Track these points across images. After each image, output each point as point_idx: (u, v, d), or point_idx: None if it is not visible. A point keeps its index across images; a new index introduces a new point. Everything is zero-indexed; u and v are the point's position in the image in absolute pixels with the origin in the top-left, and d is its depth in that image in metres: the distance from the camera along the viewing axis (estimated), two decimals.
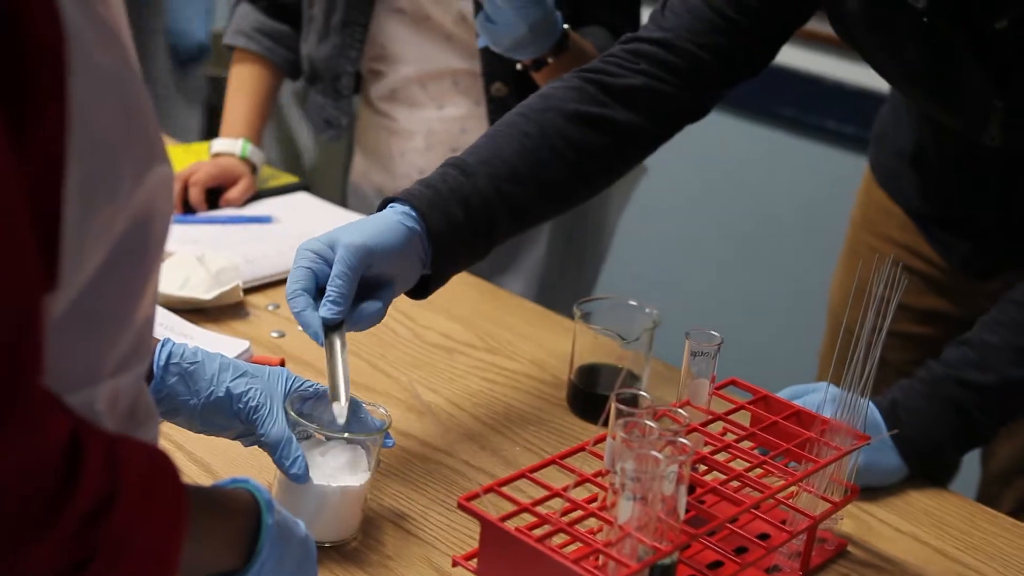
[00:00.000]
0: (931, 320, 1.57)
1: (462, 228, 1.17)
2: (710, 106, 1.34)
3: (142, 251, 0.73)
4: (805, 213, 2.74)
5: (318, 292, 1.09)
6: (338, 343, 1.07)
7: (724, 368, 1.16)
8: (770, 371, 1.76)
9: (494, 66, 1.68)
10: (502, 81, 1.69)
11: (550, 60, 1.52)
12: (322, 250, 1.10)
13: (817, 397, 1.20)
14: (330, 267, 1.09)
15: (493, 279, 1.79)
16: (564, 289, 1.85)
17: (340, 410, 1.03)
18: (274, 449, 1.01)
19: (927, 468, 1.25)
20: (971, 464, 1.71)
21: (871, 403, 1.22)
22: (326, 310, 1.08)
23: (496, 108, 1.70)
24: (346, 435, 1.05)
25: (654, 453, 0.90)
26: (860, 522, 1.18)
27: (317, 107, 1.82)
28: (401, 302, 1.53)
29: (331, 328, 1.08)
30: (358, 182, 1.88)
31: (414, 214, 1.15)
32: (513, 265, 1.83)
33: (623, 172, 1.33)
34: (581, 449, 1.03)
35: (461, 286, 1.60)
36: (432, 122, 1.76)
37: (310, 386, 1.06)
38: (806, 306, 2.64)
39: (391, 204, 1.16)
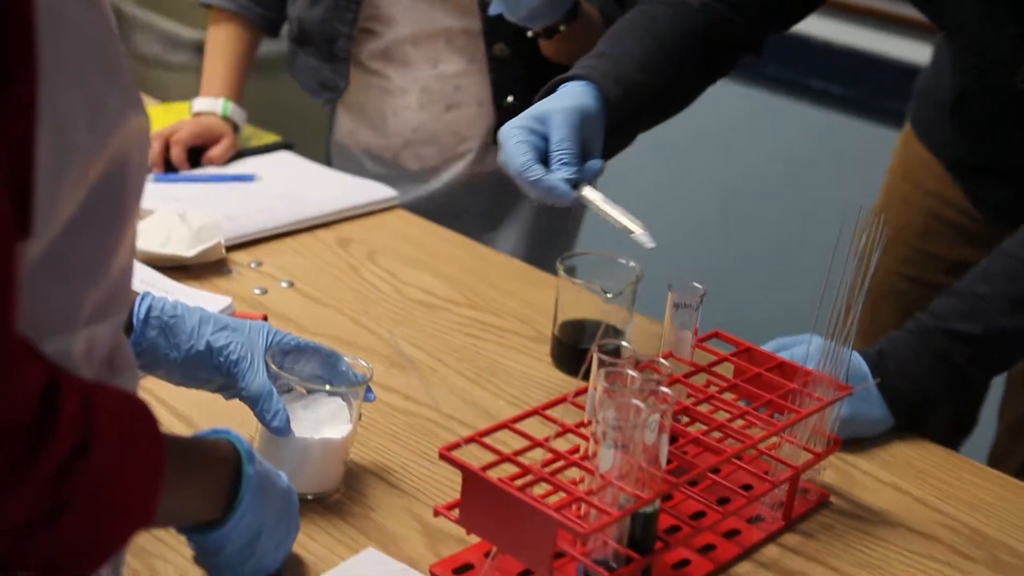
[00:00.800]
0: (961, 270, 1.57)
1: (630, 97, 1.24)
2: (764, 40, 1.40)
3: (118, 200, 0.72)
4: (789, 170, 2.74)
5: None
6: (590, 189, 1.14)
7: (709, 323, 1.16)
8: (756, 325, 1.76)
9: (496, 27, 1.68)
10: (505, 42, 1.69)
11: (562, 28, 1.53)
12: (530, 124, 1.16)
13: (803, 349, 1.20)
14: (541, 139, 1.15)
15: (482, 238, 1.80)
16: (554, 246, 1.85)
17: (644, 235, 1.09)
18: (255, 402, 1.01)
19: (915, 420, 1.26)
20: (988, 422, 1.71)
21: (858, 354, 1.23)
22: (564, 172, 1.14)
23: (497, 67, 1.71)
24: (327, 387, 1.05)
25: (635, 402, 0.91)
26: (843, 473, 1.19)
27: (310, 70, 1.81)
28: (383, 258, 1.54)
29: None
30: (344, 142, 1.87)
31: (593, 85, 1.21)
32: (503, 226, 1.84)
33: (711, 76, 1.38)
34: (563, 400, 1.04)
35: (443, 243, 1.60)
36: (426, 80, 1.76)
37: (291, 340, 1.06)
38: (790, 261, 2.65)
39: (562, 85, 1.22)
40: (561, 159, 1.14)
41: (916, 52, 2.42)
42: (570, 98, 1.19)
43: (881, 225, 1.06)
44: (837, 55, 2.62)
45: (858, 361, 1.23)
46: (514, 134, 1.15)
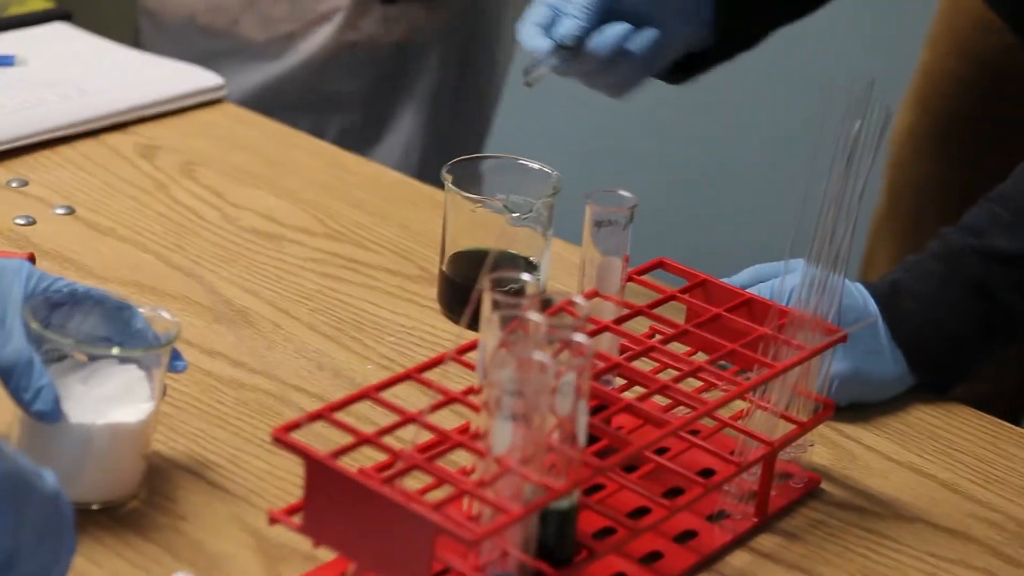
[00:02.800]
0: None
1: None
2: None
3: None
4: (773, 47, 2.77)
5: None
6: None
7: (657, 250, 1.18)
8: (723, 253, 1.79)
9: None
10: None
11: None
12: None
13: (788, 280, 1.21)
14: None
15: (358, 138, 1.82)
16: (459, 146, 1.87)
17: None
18: (8, 377, 1.00)
19: (944, 377, 1.28)
20: None
21: (864, 287, 1.25)
22: (563, 25, 1.21)
23: None
24: (116, 351, 1.06)
25: (540, 356, 0.92)
26: (839, 450, 1.22)
27: None
28: (205, 171, 1.54)
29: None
30: (155, 9, 1.88)
31: None
32: (390, 118, 1.85)
33: None
34: (442, 360, 1.05)
35: (292, 149, 1.61)
36: None
37: (64, 286, 1.06)
38: (774, 166, 2.69)
39: None
40: (566, 10, 1.21)
41: None
42: None
43: (876, 99, 1.07)
44: None
45: (862, 296, 1.25)
46: None
